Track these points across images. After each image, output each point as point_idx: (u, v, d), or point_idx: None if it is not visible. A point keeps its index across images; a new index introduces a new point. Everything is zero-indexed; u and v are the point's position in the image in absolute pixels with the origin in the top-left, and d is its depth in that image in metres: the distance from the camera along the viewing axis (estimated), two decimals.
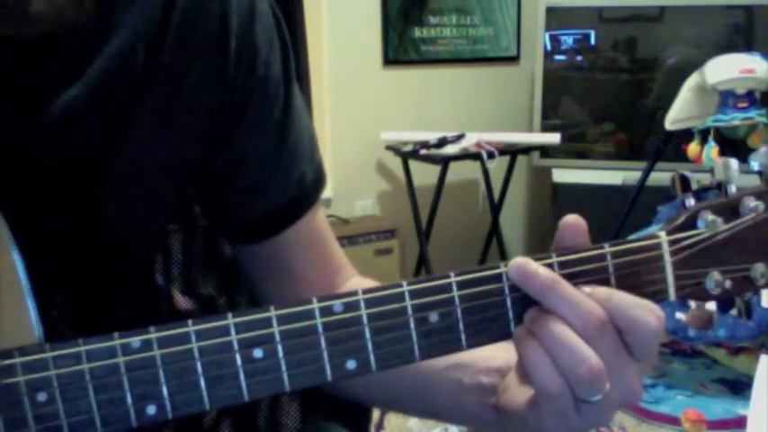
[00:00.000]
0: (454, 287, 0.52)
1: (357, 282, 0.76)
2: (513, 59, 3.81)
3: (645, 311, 0.51)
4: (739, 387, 2.67)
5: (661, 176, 2.78)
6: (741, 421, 2.38)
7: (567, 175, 3.42)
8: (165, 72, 0.60)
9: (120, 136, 0.59)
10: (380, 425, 2.39)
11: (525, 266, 0.51)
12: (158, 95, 0.60)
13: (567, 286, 0.51)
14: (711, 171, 0.55)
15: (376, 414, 2.33)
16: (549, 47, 3.45)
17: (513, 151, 3.33)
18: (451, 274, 0.52)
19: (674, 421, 2.49)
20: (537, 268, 0.51)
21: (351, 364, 0.51)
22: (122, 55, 0.58)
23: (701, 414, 2.42)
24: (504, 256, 3.46)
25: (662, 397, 2.66)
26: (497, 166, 3.23)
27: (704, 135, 2.53)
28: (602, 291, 0.51)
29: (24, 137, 0.57)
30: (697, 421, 2.39)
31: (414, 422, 2.49)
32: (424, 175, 3.27)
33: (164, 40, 0.60)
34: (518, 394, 0.57)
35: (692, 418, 2.39)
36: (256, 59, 0.64)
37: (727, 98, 2.48)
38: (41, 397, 0.49)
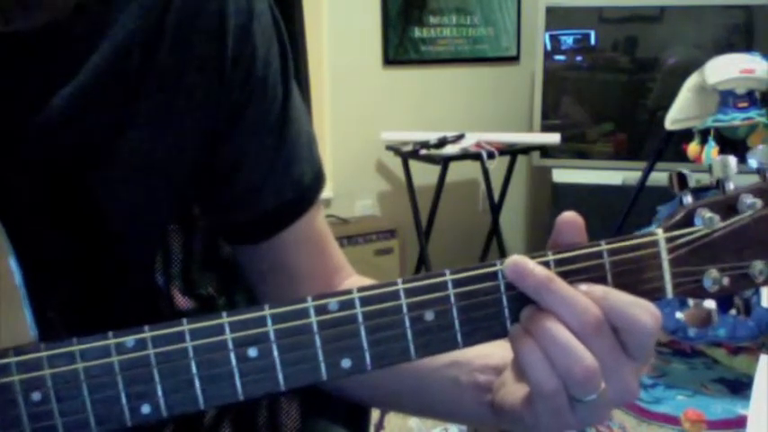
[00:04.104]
0: (450, 285, 0.51)
1: (355, 281, 0.75)
2: (513, 59, 3.81)
3: (641, 310, 0.50)
4: (739, 387, 2.67)
5: (661, 176, 2.77)
6: (741, 421, 2.37)
7: (567, 175, 3.43)
8: (162, 71, 0.60)
9: (117, 135, 0.59)
10: (380, 425, 2.39)
11: (521, 264, 0.51)
12: (155, 95, 0.60)
13: (562, 285, 0.50)
14: (710, 168, 0.55)
15: (376, 414, 2.33)
16: (549, 47, 3.45)
17: (513, 151, 3.33)
18: (447, 272, 0.51)
19: (674, 421, 2.49)
20: (533, 266, 0.51)
21: (346, 363, 0.51)
22: (118, 54, 0.58)
23: (701, 414, 2.42)
24: (504, 256, 3.39)
25: (662, 397, 2.66)
26: (497, 166, 3.23)
27: (704, 135, 2.54)
28: (598, 289, 0.51)
29: (20, 137, 0.57)
30: (697, 421, 2.39)
31: (414, 422, 2.49)
32: (424, 175, 3.27)
33: (160, 40, 0.60)
34: (513, 392, 0.57)
35: (692, 418, 2.39)
36: (254, 59, 0.64)
37: (727, 98, 2.48)
38: (36, 396, 0.49)
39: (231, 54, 0.62)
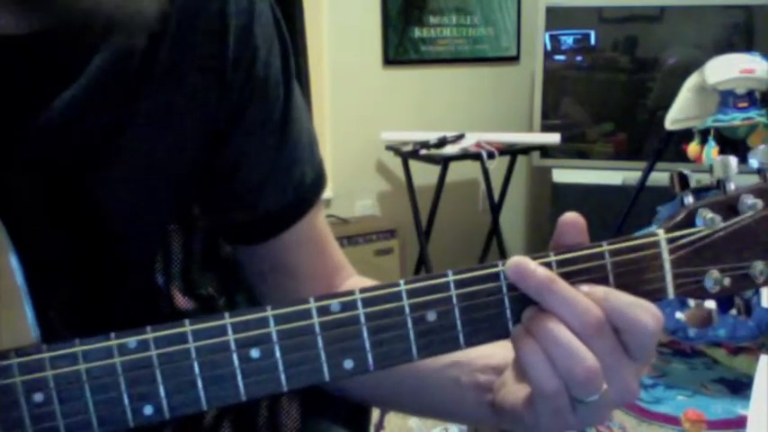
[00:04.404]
0: (452, 286, 0.51)
1: (356, 282, 0.75)
2: (513, 59, 3.81)
3: (642, 311, 0.50)
4: (739, 387, 2.67)
5: (661, 176, 2.77)
6: (741, 421, 2.37)
7: (567, 175, 3.43)
8: (163, 72, 0.60)
9: (117, 136, 0.59)
10: (380, 425, 2.39)
11: (523, 265, 0.51)
12: (156, 96, 0.60)
13: (564, 285, 0.50)
14: (710, 169, 0.55)
15: (376, 414, 2.33)
16: (549, 47, 3.45)
17: (513, 151, 3.33)
18: (449, 272, 0.51)
19: (674, 421, 2.49)
20: (534, 267, 0.51)
21: (348, 364, 0.51)
22: (119, 55, 0.58)
23: (701, 414, 2.42)
24: (504, 256, 3.42)
25: (662, 397, 2.66)
26: (497, 166, 3.22)
27: (704, 135, 2.54)
28: (599, 290, 0.51)
29: (22, 138, 0.57)
30: (697, 421, 2.38)
31: (414, 422, 2.49)
32: (424, 175, 3.27)
33: (161, 40, 0.60)
34: (514, 392, 0.57)
35: (692, 418, 2.39)
36: (255, 60, 0.64)
37: (727, 98, 2.48)
38: (38, 397, 0.49)
39: (232, 54, 0.62)
